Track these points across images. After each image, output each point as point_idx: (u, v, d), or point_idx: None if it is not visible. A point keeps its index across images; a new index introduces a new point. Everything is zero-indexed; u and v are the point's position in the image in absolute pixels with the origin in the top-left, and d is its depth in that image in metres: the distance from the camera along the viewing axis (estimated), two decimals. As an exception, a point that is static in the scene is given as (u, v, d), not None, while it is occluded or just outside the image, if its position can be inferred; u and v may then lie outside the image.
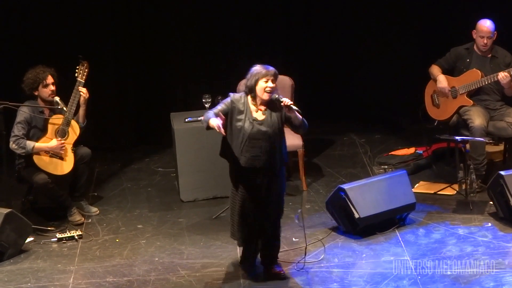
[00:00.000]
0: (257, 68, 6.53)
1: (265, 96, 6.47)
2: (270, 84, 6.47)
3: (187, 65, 10.17)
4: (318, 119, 10.23)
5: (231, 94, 6.61)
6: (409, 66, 9.93)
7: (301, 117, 6.54)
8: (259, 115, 6.52)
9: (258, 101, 6.53)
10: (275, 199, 6.62)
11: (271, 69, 6.52)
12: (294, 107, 6.49)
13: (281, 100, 6.49)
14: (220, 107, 6.52)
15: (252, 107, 6.53)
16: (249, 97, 6.55)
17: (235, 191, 6.65)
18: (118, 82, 10.04)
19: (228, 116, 6.50)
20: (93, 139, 9.11)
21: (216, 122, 6.29)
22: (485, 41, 8.29)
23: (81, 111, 8.00)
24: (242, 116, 6.48)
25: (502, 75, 8.10)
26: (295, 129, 6.66)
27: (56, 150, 7.83)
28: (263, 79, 6.47)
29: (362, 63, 10.34)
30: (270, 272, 6.75)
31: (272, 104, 6.55)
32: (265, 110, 6.53)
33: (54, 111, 7.90)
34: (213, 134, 6.45)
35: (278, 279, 6.69)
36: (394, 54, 10.16)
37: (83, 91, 7.94)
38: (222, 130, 6.32)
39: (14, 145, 7.75)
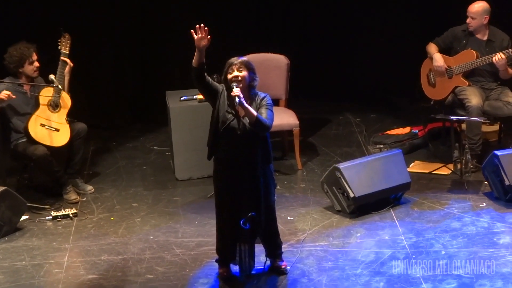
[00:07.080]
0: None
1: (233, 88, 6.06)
2: (235, 73, 6.09)
3: (183, 43, 10.11)
4: (314, 98, 10.26)
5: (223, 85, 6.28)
6: (406, 45, 9.89)
7: (254, 113, 6.02)
8: (240, 109, 6.12)
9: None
10: (260, 201, 6.28)
11: (236, 58, 6.18)
12: (237, 100, 5.99)
13: (232, 88, 6.06)
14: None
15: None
16: None
17: (216, 190, 6.45)
18: (114, 60, 10.01)
19: (215, 99, 6.21)
20: (88, 117, 9.09)
21: None
22: (468, 20, 8.29)
23: (66, 81, 7.96)
24: (223, 108, 6.15)
25: (498, 57, 8.07)
26: (250, 125, 6.10)
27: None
28: (229, 71, 6.15)
29: (359, 42, 10.31)
30: (273, 265, 6.56)
31: (251, 99, 6.17)
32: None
33: (39, 87, 7.86)
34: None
35: (278, 273, 6.53)
36: (391, 33, 10.13)
37: (67, 60, 7.91)
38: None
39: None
